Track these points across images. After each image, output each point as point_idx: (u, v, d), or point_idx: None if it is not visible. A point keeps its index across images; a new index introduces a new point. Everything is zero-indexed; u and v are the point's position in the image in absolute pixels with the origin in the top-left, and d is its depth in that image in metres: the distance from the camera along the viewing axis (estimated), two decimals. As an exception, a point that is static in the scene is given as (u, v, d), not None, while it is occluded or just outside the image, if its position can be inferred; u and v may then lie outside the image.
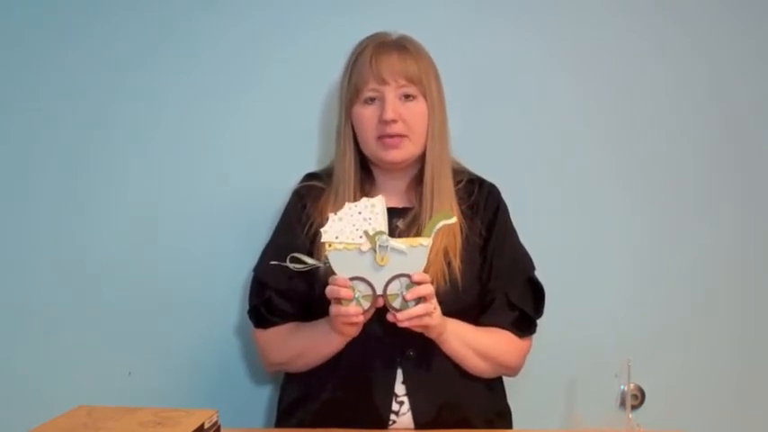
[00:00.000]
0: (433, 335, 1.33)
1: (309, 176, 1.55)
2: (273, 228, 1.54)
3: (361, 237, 1.22)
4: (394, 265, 1.22)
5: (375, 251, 1.21)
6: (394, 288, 1.23)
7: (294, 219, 1.47)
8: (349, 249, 1.22)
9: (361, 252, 1.22)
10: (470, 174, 1.52)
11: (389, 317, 1.24)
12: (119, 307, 1.76)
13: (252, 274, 1.51)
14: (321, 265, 1.26)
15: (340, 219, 1.23)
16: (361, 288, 1.23)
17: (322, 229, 1.23)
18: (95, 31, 1.76)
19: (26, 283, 1.77)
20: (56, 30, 1.76)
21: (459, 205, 1.45)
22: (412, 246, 1.22)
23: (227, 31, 1.76)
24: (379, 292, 1.23)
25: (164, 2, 1.76)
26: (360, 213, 1.23)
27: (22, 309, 1.77)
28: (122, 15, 1.76)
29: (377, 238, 1.21)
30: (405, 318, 1.23)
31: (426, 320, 1.26)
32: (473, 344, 1.39)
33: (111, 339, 1.76)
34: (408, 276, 1.22)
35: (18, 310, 1.77)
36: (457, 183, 1.47)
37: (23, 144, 1.77)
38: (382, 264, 1.22)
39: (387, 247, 1.21)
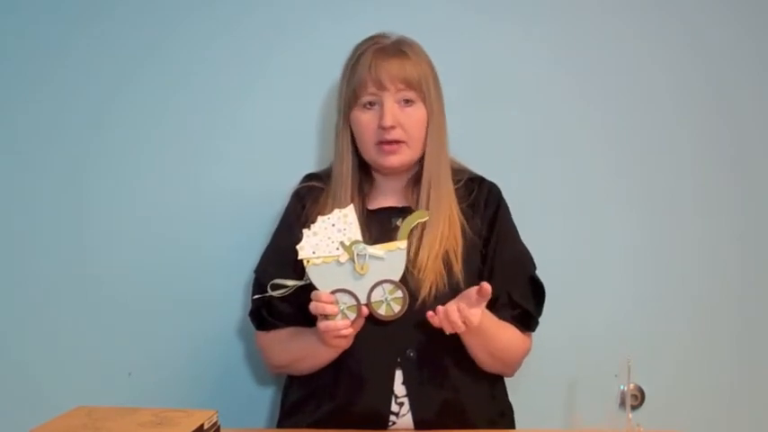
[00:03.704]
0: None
1: (309, 177, 1.55)
2: (274, 229, 1.53)
3: (337, 248, 1.22)
4: (374, 272, 1.22)
5: (354, 261, 1.22)
6: (377, 295, 1.23)
7: (294, 220, 1.47)
8: (327, 262, 1.22)
9: (339, 263, 1.22)
10: (470, 173, 1.52)
11: (429, 316, 1.26)
12: (119, 307, 1.76)
13: (253, 275, 1.50)
14: (303, 283, 1.26)
15: (315, 233, 1.24)
16: (345, 299, 1.23)
17: (298, 246, 1.23)
18: (96, 31, 1.76)
19: (26, 283, 1.77)
20: (56, 30, 1.76)
21: (459, 204, 1.45)
22: (389, 250, 1.23)
23: (227, 33, 1.76)
24: (363, 300, 1.23)
25: (164, 3, 1.76)
26: (333, 225, 1.23)
27: (23, 309, 1.77)
28: (122, 17, 1.76)
29: (354, 248, 1.22)
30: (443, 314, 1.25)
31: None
32: (486, 343, 1.38)
33: (111, 339, 1.77)
34: (390, 282, 1.23)
35: (18, 310, 1.77)
36: (456, 182, 1.47)
37: (24, 144, 1.78)
38: (362, 272, 1.22)
39: (365, 255, 1.22)
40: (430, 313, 1.27)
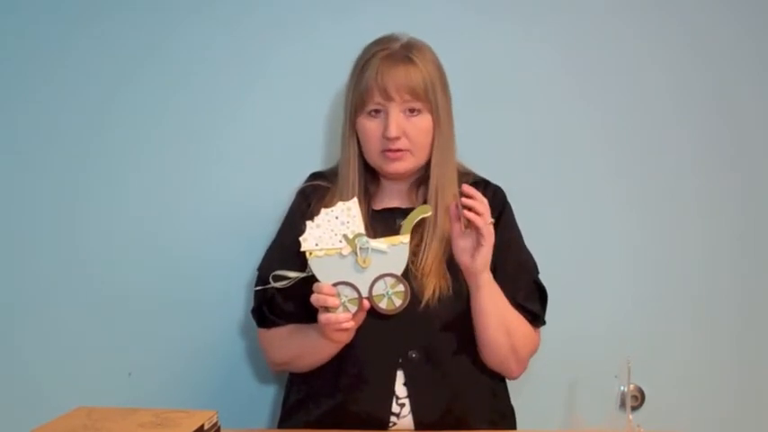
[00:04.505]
0: (477, 267, 1.32)
1: (314, 176, 1.55)
2: (278, 227, 1.53)
3: (340, 241, 1.22)
4: (376, 266, 1.23)
5: (356, 254, 1.22)
6: (379, 288, 1.23)
7: (298, 218, 1.46)
8: (330, 255, 1.23)
9: (342, 256, 1.22)
10: (475, 176, 1.52)
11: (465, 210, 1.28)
12: (119, 307, 1.76)
13: (256, 273, 1.50)
14: (305, 275, 1.26)
15: (318, 225, 1.24)
16: (347, 292, 1.23)
17: (301, 238, 1.23)
18: (96, 31, 1.76)
19: (26, 282, 1.77)
20: (56, 30, 1.76)
21: None
22: (392, 244, 1.23)
23: (227, 33, 1.76)
24: (365, 294, 1.23)
25: (164, 3, 1.76)
26: (337, 218, 1.23)
27: (23, 309, 1.77)
28: (122, 17, 1.76)
29: (357, 241, 1.22)
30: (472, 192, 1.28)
31: (485, 228, 1.29)
32: (503, 309, 1.37)
33: (111, 339, 1.77)
34: (392, 275, 1.23)
35: (18, 310, 1.77)
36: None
37: (24, 144, 1.77)
38: (365, 266, 1.22)
39: (367, 248, 1.22)
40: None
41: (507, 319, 1.38)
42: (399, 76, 1.37)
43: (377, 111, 1.40)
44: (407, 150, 1.40)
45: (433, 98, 1.40)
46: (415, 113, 1.39)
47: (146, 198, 1.77)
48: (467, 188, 1.31)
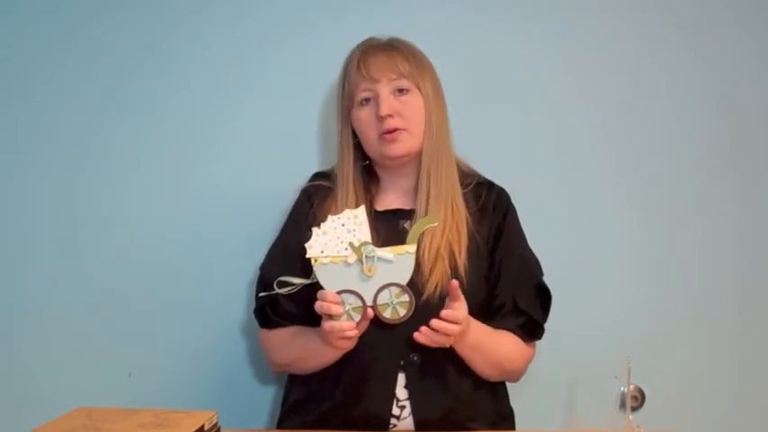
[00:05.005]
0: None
1: (318, 176, 1.54)
2: (280, 226, 1.53)
3: (346, 249, 1.22)
4: (382, 275, 1.22)
5: (362, 262, 1.21)
6: (384, 298, 1.23)
7: (301, 217, 1.47)
8: (335, 263, 1.22)
9: (347, 264, 1.22)
10: (480, 177, 1.51)
11: (416, 335, 1.25)
12: (119, 307, 1.76)
13: (258, 272, 1.49)
14: (309, 282, 1.26)
15: (324, 232, 1.23)
16: (351, 300, 1.23)
17: (307, 245, 1.23)
18: (96, 31, 1.76)
19: (26, 283, 1.78)
20: (56, 30, 1.77)
21: (468, 208, 1.44)
22: (398, 254, 1.22)
23: (227, 33, 1.77)
24: (369, 302, 1.23)
25: (164, 3, 1.76)
26: (343, 225, 1.23)
27: (23, 309, 1.77)
28: (122, 17, 1.76)
29: (363, 249, 1.21)
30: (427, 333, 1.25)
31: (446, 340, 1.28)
32: (489, 353, 1.38)
33: (111, 339, 1.77)
34: (397, 285, 1.22)
35: (18, 310, 1.77)
36: (466, 185, 1.46)
37: (24, 144, 1.78)
38: (370, 274, 1.22)
39: (373, 257, 1.21)
40: (417, 335, 1.26)
41: (496, 357, 1.40)
42: (381, 60, 1.40)
43: (367, 99, 1.41)
44: (403, 129, 1.40)
45: (420, 77, 1.41)
46: (404, 93, 1.40)
47: (146, 198, 1.77)
48: (440, 321, 1.26)
